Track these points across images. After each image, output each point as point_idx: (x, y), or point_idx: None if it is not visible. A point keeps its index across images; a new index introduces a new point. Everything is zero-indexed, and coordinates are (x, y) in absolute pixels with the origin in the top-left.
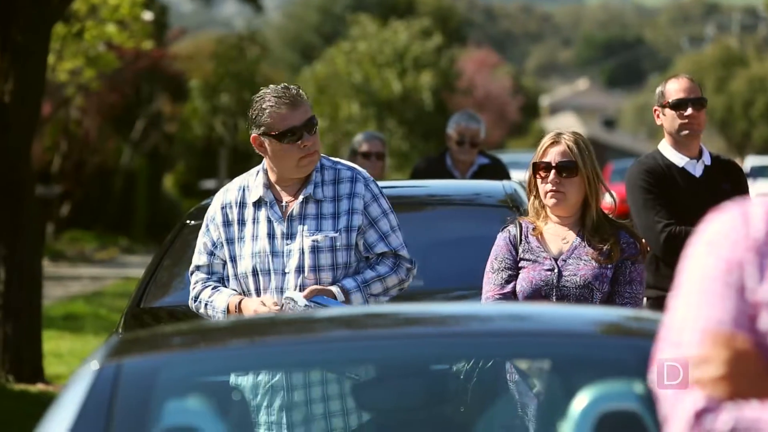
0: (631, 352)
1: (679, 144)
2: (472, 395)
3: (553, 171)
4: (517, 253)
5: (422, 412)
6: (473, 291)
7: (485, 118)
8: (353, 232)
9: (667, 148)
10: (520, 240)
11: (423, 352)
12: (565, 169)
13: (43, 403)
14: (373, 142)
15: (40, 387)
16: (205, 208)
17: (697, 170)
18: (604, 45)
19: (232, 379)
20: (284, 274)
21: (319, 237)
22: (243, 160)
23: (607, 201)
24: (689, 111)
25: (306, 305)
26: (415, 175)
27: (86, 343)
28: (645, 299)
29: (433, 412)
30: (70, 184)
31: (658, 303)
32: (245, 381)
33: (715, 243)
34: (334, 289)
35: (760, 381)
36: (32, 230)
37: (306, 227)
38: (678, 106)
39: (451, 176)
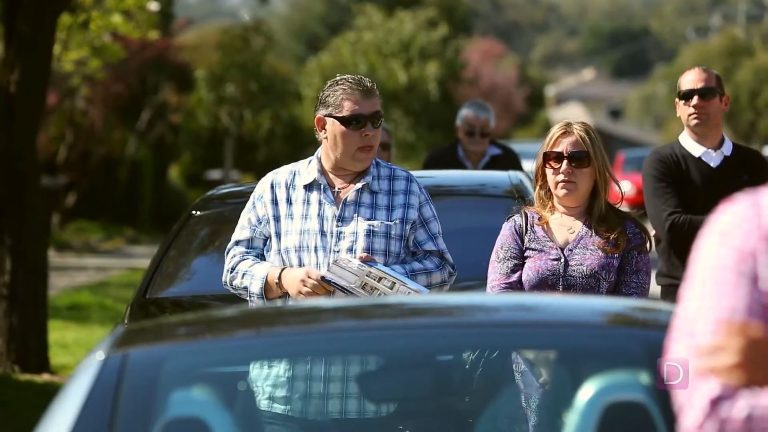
0: (637, 343)
1: (696, 134)
2: (478, 386)
3: (565, 161)
4: (522, 242)
5: (428, 403)
6: (479, 281)
7: (491, 108)
8: (408, 225)
9: (685, 138)
10: (526, 230)
11: (429, 342)
12: (577, 159)
13: (48, 394)
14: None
15: (45, 377)
16: (211, 199)
17: (714, 160)
18: (610, 35)
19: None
20: (332, 252)
21: (375, 222)
22: (248, 151)
23: (616, 191)
24: (695, 101)
25: (360, 265)
26: (426, 166)
27: (92, 334)
28: (659, 287)
29: (439, 402)
30: (76, 175)
31: (670, 291)
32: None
33: (727, 233)
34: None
35: None
36: (38, 220)
37: (361, 213)
38: (686, 96)
39: (462, 167)
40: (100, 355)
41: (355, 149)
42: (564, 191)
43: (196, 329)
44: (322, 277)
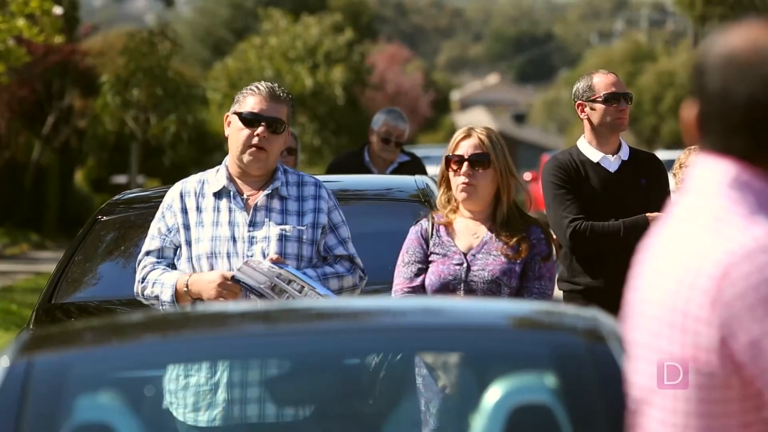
0: (542, 346)
1: (599, 139)
2: (386, 389)
3: (465, 164)
4: (427, 246)
5: (335, 406)
6: (385, 285)
7: (408, 118)
8: (318, 229)
9: (584, 144)
10: (432, 234)
11: (336, 346)
12: (478, 162)
13: None
14: None
15: None
16: (116, 204)
17: (612, 165)
18: (515, 40)
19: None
20: (244, 257)
21: (287, 227)
22: (154, 156)
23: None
24: (623, 104)
25: (270, 266)
26: (331, 170)
27: None
28: (561, 293)
29: (347, 406)
30: None
31: (572, 297)
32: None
33: None
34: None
35: None
36: None
37: (272, 218)
38: (610, 99)
39: (368, 172)
40: (4, 362)
41: (246, 147)
42: (464, 195)
43: (103, 334)
44: (232, 277)
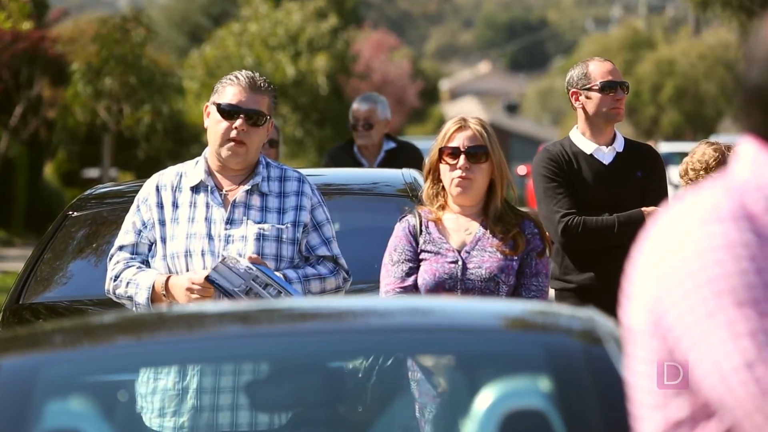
0: (536, 348)
1: (593, 129)
2: (372, 393)
3: (462, 157)
4: (417, 244)
5: (319, 411)
6: (371, 284)
7: (380, 99)
8: (299, 228)
9: (577, 135)
10: (421, 230)
11: (320, 348)
12: (475, 155)
13: None
14: None
15: None
16: (88, 199)
17: (606, 157)
18: (507, 27)
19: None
20: (220, 257)
21: (265, 226)
22: (128, 148)
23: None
24: (620, 94)
25: (248, 267)
26: (326, 164)
27: None
28: (553, 291)
29: (331, 410)
30: None
31: (564, 295)
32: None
33: (731, 245)
34: (278, 273)
35: None
36: None
37: (250, 216)
38: (607, 88)
39: (359, 164)
40: None
41: (224, 140)
42: (460, 189)
43: (74, 336)
44: (207, 277)
